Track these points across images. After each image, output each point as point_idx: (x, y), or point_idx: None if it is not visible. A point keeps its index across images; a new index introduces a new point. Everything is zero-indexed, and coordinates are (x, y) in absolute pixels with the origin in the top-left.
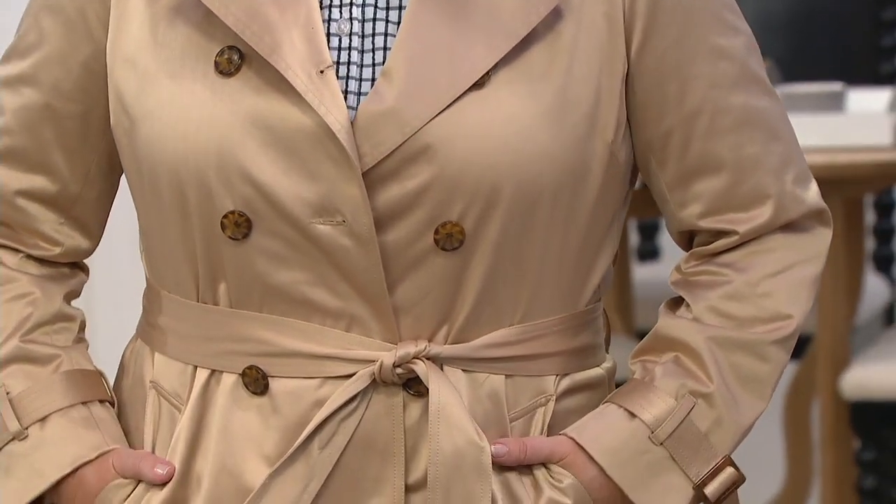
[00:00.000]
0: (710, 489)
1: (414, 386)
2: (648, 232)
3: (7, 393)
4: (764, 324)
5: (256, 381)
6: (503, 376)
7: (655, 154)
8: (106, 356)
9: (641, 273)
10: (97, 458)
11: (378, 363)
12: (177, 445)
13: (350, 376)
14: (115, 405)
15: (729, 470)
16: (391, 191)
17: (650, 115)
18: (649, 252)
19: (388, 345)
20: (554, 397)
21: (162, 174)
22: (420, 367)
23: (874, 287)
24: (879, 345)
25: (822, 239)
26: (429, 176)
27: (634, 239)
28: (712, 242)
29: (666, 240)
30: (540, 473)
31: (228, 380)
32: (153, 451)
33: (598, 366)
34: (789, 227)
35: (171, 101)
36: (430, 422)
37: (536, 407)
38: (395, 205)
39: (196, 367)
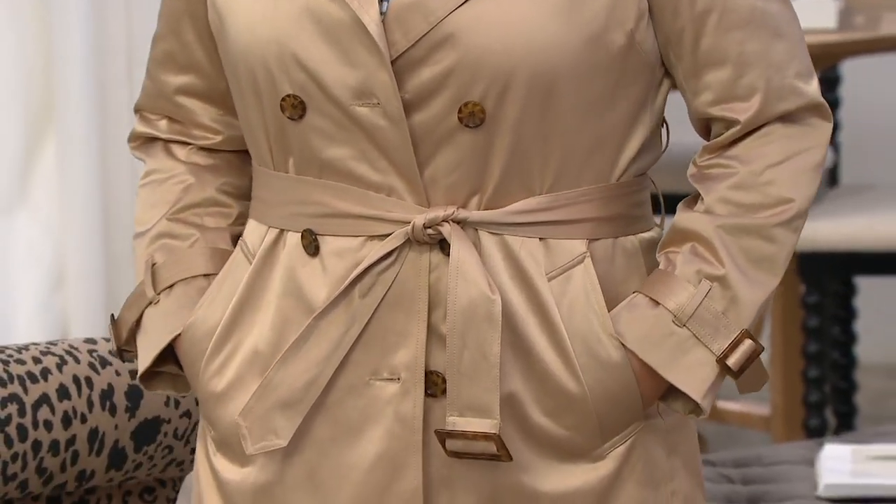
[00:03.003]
0: (732, 360)
1: (448, 247)
2: None
3: (153, 264)
4: (768, 209)
5: (310, 244)
6: (537, 239)
7: (673, 48)
8: None
9: None
10: None
11: (411, 224)
12: (239, 287)
13: (388, 236)
14: None
15: (747, 342)
16: (421, 75)
17: (666, 14)
18: None
19: (424, 209)
20: (588, 256)
21: (239, 63)
22: (445, 229)
23: None
24: (824, 203)
25: (822, 131)
26: (452, 61)
27: None
28: (723, 134)
29: None
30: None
31: (292, 239)
32: (220, 289)
33: (633, 234)
34: (788, 118)
35: None
36: (450, 277)
37: (571, 266)
38: (424, 87)
39: (269, 227)
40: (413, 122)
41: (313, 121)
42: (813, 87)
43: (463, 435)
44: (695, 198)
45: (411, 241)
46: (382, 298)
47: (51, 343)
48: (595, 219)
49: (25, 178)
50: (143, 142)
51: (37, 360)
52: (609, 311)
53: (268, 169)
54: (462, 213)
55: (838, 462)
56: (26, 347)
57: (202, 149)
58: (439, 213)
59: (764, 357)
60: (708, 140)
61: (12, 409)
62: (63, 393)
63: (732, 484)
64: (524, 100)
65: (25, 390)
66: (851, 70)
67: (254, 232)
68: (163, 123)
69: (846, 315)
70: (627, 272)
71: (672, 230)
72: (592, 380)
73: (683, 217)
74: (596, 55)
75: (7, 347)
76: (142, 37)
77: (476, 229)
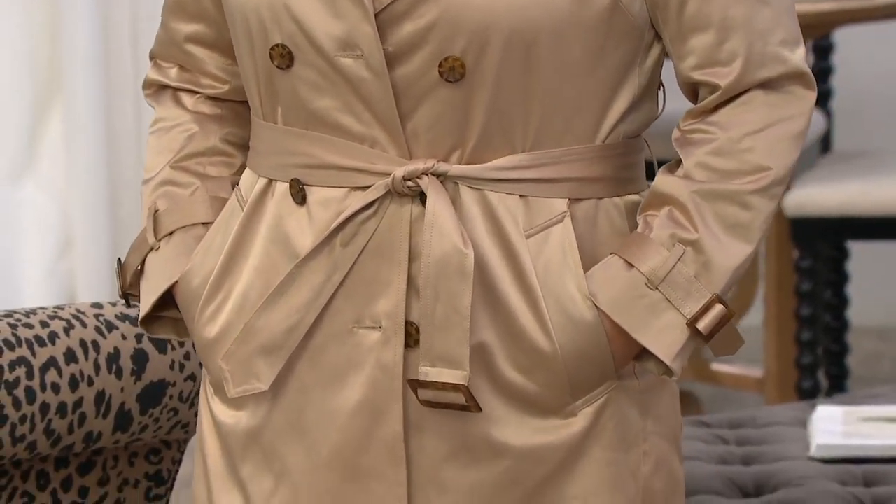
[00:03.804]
0: (702, 324)
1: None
2: None
3: (156, 211)
4: (745, 175)
5: (298, 193)
6: (517, 196)
7: (660, 12)
8: None
9: None
10: None
11: (391, 175)
12: (231, 234)
13: (370, 187)
14: None
15: (718, 307)
16: (403, 28)
17: None
18: None
19: (407, 161)
20: (568, 215)
21: (236, 14)
22: (423, 181)
23: (812, 118)
24: (816, 169)
25: (804, 100)
26: (434, 16)
27: None
28: (707, 98)
29: None
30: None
31: (280, 188)
32: (215, 237)
33: (619, 196)
34: (770, 86)
35: None
36: (425, 229)
37: (551, 225)
38: (406, 41)
39: (258, 177)
40: (395, 76)
41: (301, 71)
42: (797, 56)
43: (434, 385)
44: (677, 162)
45: (392, 193)
46: (364, 248)
47: (58, 307)
48: (578, 179)
49: (32, 146)
50: (155, 90)
51: (44, 324)
52: (586, 272)
53: (259, 119)
54: (442, 167)
55: (830, 423)
56: (34, 312)
57: (209, 98)
58: (419, 165)
59: (757, 320)
60: (695, 103)
61: (21, 371)
62: (70, 356)
63: (727, 445)
64: (504, 56)
65: (33, 353)
66: (845, 38)
67: (246, 180)
68: (174, 72)
69: (839, 279)
70: (609, 234)
71: (651, 193)
72: (564, 338)
73: (662, 180)
74: (579, 15)
75: (15, 311)
76: (147, 4)
77: (457, 183)
